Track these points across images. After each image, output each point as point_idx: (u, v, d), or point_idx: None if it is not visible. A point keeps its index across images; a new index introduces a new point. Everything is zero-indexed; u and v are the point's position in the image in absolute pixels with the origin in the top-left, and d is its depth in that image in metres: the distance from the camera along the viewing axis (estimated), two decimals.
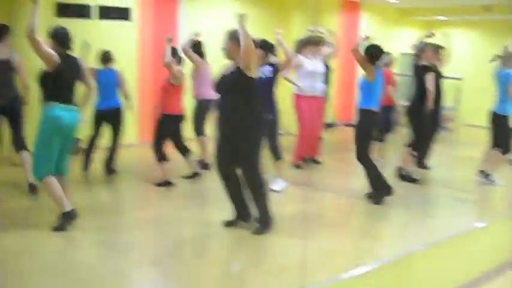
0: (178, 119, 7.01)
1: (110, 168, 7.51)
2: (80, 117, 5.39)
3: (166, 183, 6.90)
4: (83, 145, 7.59)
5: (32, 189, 6.34)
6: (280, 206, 6.22)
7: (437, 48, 8.14)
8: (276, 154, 6.93)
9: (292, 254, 4.83)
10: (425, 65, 7.68)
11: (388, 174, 7.39)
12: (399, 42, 13.05)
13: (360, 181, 6.97)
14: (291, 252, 4.89)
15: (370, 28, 13.69)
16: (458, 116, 12.62)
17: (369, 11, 13.90)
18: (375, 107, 6.48)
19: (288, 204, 6.48)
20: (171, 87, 6.87)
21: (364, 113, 6.52)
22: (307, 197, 6.73)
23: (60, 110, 5.18)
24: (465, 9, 13.50)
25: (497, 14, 13.20)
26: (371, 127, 6.57)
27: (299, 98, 8.20)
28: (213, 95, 7.28)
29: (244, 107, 5.11)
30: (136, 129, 9.68)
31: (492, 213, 6.62)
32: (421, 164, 8.30)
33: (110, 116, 7.42)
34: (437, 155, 8.70)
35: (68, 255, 4.82)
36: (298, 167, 8.27)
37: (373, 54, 6.45)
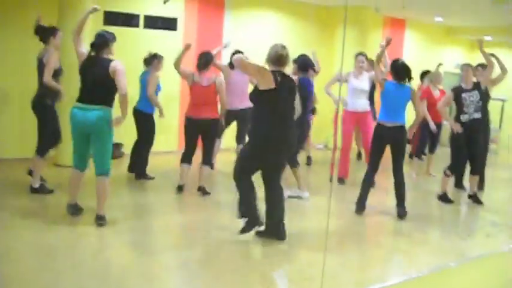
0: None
1: (139, 173, 7.82)
2: (103, 117, 5.44)
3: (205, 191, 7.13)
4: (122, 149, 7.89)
5: None
6: (309, 219, 6.29)
7: (476, 68, 8.07)
8: (293, 162, 7.07)
9: (318, 266, 4.87)
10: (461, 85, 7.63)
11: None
12: (442, 61, 12.95)
13: (391, 198, 6.98)
14: (316, 263, 4.94)
15: (414, 46, 13.64)
16: (500, 137, 12.46)
17: (413, 28, 13.84)
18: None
19: (318, 218, 6.55)
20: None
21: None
22: (338, 211, 6.76)
23: (74, 108, 5.46)
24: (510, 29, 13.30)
25: None
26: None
27: (345, 114, 8.30)
28: (238, 105, 7.83)
29: (267, 117, 5.24)
30: (176, 137, 9.89)
31: None
32: (458, 184, 8.28)
33: (135, 115, 7.75)
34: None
35: (100, 254, 4.98)
36: (341, 181, 8.31)
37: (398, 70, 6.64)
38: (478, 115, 7.43)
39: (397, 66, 6.66)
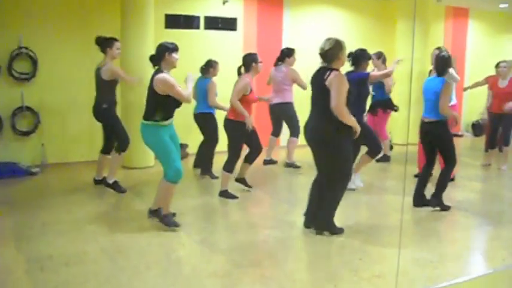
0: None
1: (205, 171, 8.02)
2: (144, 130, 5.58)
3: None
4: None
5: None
6: (382, 215, 6.22)
7: None
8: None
9: (390, 262, 4.80)
10: None
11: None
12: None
13: (463, 193, 6.82)
14: (388, 260, 4.87)
15: (479, 36, 13.27)
16: None
17: (478, 17, 13.46)
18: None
19: (391, 214, 6.47)
20: None
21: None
22: (407, 207, 6.64)
23: None
24: None
25: None
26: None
27: None
28: (276, 99, 8.37)
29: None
30: None
31: None
32: None
33: (196, 120, 7.95)
34: None
35: (172, 253, 5.05)
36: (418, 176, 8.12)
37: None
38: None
39: (435, 59, 6.46)
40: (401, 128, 11.22)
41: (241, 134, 6.79)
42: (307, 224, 5.65)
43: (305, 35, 10.47)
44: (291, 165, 8.77)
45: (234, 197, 6.85)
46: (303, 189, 6.40)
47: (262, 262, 4.86)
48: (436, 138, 6.44)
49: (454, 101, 7.83)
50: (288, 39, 10.37)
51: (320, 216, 5.51)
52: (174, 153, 5.48)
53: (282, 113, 8.65)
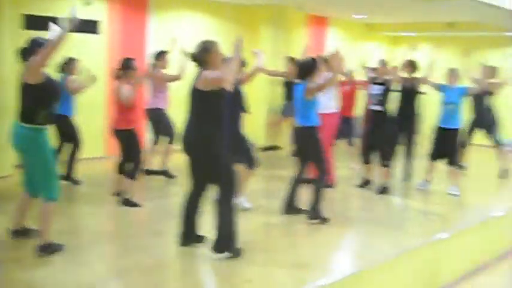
0: None
1: (69, 177, 7.66)
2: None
3: None
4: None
5: None
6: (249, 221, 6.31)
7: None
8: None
9: (260, 267, 4.88)
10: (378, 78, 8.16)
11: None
12: (366, 57, 13.25)
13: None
14: (258, 265, 4.95)
15: (337, 43, 13.88)
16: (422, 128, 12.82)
17: (336, 26, 14.10)
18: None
19: (259, 218, 6.56)
20: None
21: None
22: (274, 211, 6.77)
23: None
24: (431, 25, 13.78)
25: (461, 31, 13.52)
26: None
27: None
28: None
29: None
30: (103, 143, 9.66)
31: (454, 225, 6.75)
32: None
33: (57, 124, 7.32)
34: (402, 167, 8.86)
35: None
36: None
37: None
38: (379, 108, 8.00)
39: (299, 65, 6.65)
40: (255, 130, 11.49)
41: (135, 140, 6.69)
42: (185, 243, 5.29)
43: (169, 39, 10.35)
44: (162, 173, 8.33)
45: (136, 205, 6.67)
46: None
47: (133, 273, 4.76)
48: (304, 144, 6.53)
49: (333, 109, 7.99)
50: (154, 43, 10.23)
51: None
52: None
53: (155, 119, 8.21)
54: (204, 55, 5.00)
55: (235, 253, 5.06)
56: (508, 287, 5.74)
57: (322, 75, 6.89)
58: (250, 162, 6.44)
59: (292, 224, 6.33)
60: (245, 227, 5.63)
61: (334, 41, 13.91)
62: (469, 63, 9.22)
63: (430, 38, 14.86)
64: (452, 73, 8.26)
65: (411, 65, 8.62)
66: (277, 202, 6.80)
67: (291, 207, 6.59)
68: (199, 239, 5.30)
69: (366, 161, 8.33)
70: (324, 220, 6.34)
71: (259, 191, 7.67)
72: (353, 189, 8.19)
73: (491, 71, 9.51)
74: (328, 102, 7.77)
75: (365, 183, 8.33)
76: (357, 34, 14.74)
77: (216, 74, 4.89)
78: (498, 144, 9.77)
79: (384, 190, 8.00)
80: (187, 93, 5.01)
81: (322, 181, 6.43)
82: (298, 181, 6.64)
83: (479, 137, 9.80)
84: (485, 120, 9.61)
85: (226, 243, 5.02)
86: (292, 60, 9.73)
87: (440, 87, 8.33)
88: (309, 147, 6.46)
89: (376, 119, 8.11)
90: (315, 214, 6.34)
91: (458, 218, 7.28)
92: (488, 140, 9.79)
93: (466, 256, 6.17)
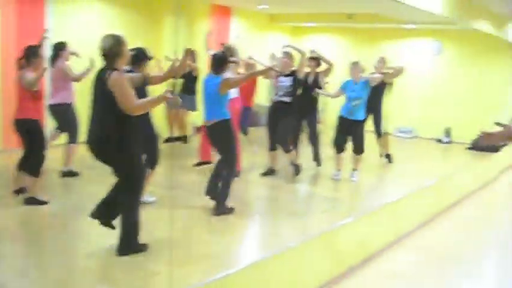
0: None
1: None
2: None
3: None
4: None
5: None
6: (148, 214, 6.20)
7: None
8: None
9: (165, 259, 4.82)
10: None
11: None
12: (269, 47, 13.39)
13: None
14: (163, 257, 4.88)
15: (240, 33, 13.92)
16: (325, 118, 13.15)
17: (239, 16, 14.11)
18: None
19: (158, 213, 6.47)
20: None
21: None
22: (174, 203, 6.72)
23: None
24: (331, 16, 14.07)
25: (360, 23, 13.92)
26: None
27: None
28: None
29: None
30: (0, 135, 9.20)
31: (356, 210, 6.96)
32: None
33: None
34: (306, 155, 9.01)
35: None
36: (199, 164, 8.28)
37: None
38: (286, 99, 8.04)
39: (212, 58, 6.52)
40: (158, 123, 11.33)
41: (39, 133, 6.31)
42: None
43: (70, 30, 9.99)
44: (67, 173, 7.73)
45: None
46: None
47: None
48: (219, 138, 6.43)
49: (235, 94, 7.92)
50: (53, 35, 9.78)
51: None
52: None
53: (58, 115, 7.70)
54: (115, 49, 4.75)
55: (141, 249, 4.96)
56: (409, 267, 5.98)
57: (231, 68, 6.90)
58: (153, 161, 6.34)
59: (198, 215, 6.29)
60: (150, 219, 5.54)
61: (237, 32, 13.94)
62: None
63: (330, 29, 15.23)
64: (355, 67, 8.22)
65: (315, 60, 8.72)
66: (182, 193, 6.75)
67: (214, 190, 6.48)
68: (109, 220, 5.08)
69: (272, 149, 8.38)
70: (230, 210, 6.33)
71: (164, 183, 7.57)
72: (257, 178, 8.24)
73: (384, 62, 9.78)
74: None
75: (270, 172, 8.40)
76: (260, 25, 14.83)
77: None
78: (384, 132, 10.05)
79: (296, 170, 8.16)
80: (92, 88, 4.81)
81: (231, 173, 6.43)
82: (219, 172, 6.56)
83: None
84: (377, 108, 9.85)
85: (130, 242, 4.91)
86: (189, 52, 9.63)
87: (344, 88, 8.31)
88: (223, 141, 6.40)
89: (283, 109, 8.12)
90: (222, 205, 6.33)
91: (360, 203, 7.52)
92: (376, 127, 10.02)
93: (369, 240, 6.36)
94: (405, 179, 9.12)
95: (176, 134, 10.81)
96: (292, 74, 8.10)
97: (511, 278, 5.90)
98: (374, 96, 9.06)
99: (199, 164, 8.46)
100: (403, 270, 5.86)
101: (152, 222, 5.63)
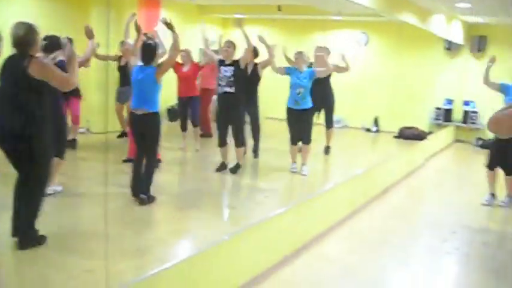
0: None
1: None
2: None
3: None
4: None
5: None
6: (85, 209, 6.06)
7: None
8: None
9: (98, 256, 4.73)
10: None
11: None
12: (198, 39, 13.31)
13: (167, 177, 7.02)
14: (97, 254, 4.79)
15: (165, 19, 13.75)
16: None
17: (168, 8, 13.94)
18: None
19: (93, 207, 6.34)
20: None
21: None
22: (112, 198, 6.61)
23: None
24: (260, 7, 14.11)
25: (289, 14, 14.02)
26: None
27: None
28: None
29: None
30: None
31: (290, 200, 7.04)
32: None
33: None
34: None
35: None
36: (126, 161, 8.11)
37: None
38: (230, 89, 7.94)
39: (142, 48, 6.54)
40: (98, 116, 11.11)
41: None
42: (15, 234, 4.94)
43: None
44: None
45: None
46: None
47: None
48: (147, 129, 6.45)
49: None
50: None
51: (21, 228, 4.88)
52: None
53: None
54: (28, 37, 4.71)
55: (40, 241, 4.92)
56: (342, 253, 6.10)
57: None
58: (61, 150, 6.29)
59: (127, 208, 6.23)
60: (80, 215, 5.45)
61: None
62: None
63: (260, 21, 15.27)
64: (300, 56, 8.29)
65: (253, 51, 8.64)
66: (114, 189, 6.66)
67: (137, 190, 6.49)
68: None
69: (222, 144, 8.26)
70: (153, 199, 6.46)
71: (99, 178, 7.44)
72: (192, 170, 8.21)
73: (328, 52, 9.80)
74: None
75: (222, 167, 8.27)
76: (189, 16, 14.71)
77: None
78: (332, 125, 10.22)
79: (236, 168, 8.13)
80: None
81: (154, 163, 6.58)
82: (140, 165, 6.57)
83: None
84: (326, 101, 9.96)
85: (31, 234, 4.88)
86: (124, 43, 9.52)
87: (288, 71, 8.34)
88: (153, 132, 6.45)
89: (227, 100, 8.03)
90: (148, 197, 6.40)
91: (294, 193, 7.62)
92: (324, 119, 10.18)
93: (302, 229, 6.44)
94: (338, 168, 9.31)
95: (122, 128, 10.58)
96: (234, 63, 8.01)
97: (438, 261, 6.11)
98: (323, 88, 9.21)
99: (127, 161, 8.20)
100: (337, 257, 5.97)
101: (82, 217, 5.53)
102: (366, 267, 5.74)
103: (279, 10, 13.56)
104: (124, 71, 9.90)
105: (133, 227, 5.73)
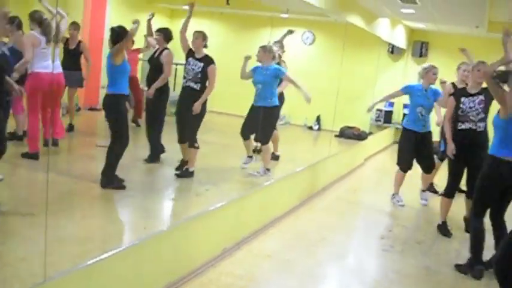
0: None
1: None
2: None
3: None
4: None
5: None
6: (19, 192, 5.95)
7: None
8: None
9: (32, 245, 4.65)
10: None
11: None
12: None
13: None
14: (31, 242, 4.71)
15: (117, 14, 13.59)
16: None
17: None
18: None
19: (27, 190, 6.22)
20: None
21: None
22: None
23: None
24: (209, 0, 14.07)
25: (237, 9, 14.03)
26: None
27: None
28: None
29: None
30: None
31: (230, 194, 7.07)
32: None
33: None
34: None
35: None
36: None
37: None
38: (195, 86, 7.64)
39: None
40: None
41: None
42: None
43: None
44: None
45: None
46: None
47: None
48: (111, 111, 6.55)
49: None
50: None
51: None
52: None
53: None
54: None
55: None
56: (281, 248, 6.18)
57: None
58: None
59: (78, 194, 6.17)
60: (23, 201, 5.34)
61: (114, 13, 13.57)
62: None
63: (209, 13, 15.23)
64: (264, 50, 8.15)
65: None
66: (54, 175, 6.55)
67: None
68: None
69: (181, 142, 8.01)
70: (119, 187, 6.50)
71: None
72: (134, 162, 8.13)
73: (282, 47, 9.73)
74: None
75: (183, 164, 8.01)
76: (137, 6, 14.53)
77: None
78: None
79: (187, 174, 7.75)
80: None
81: (117, 148, 6.58)
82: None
83: None
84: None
85: None
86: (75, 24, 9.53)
87: (253, 71, 8.23)
88: (117, 115, 6.52)
89: (191, 97, 7.62)
90: (107, 181, 6.42)
91: (235, 188, 7.68)
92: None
93: (242, 223, 6.49)
94: (279, 164, 9.41)
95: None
96: (204, 61, 7.68)
97: (373, 257, 6.29)
98: None
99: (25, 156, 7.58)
100: (275, 252, 6.05)
101: (24, 203, 5.42)
102: (303, 262, 5.84)
103: (228, 4, 13.54)
104: (71, 53, 9.96)
105: (72, 214, 5.66)
